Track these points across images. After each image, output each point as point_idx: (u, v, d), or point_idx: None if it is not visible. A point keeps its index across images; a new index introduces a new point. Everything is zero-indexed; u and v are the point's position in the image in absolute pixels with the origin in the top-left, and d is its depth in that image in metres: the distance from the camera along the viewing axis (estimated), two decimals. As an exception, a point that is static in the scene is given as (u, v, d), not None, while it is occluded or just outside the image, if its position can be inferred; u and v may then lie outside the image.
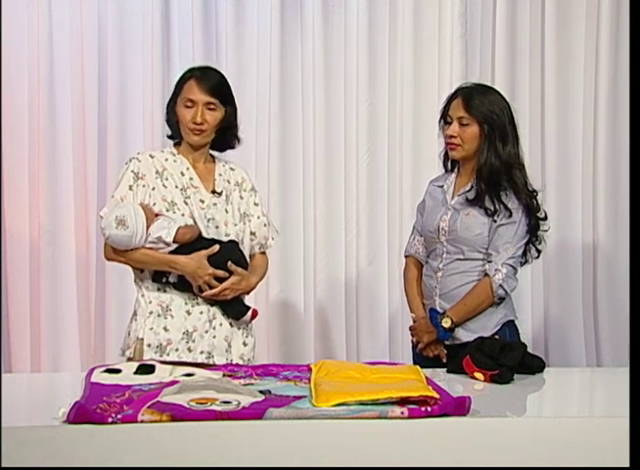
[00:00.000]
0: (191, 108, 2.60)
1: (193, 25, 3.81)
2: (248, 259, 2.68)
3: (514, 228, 2.72)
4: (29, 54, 3.76)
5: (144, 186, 2.60)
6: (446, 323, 2.71)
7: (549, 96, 3.88)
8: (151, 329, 2.55)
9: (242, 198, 2.73)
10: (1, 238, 3.74)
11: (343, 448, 1.71)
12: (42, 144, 3.77)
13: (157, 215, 2.56)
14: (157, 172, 2.62)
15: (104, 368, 2.13)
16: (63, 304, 3.80)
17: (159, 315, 2.56)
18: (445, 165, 2.93)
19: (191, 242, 2.54)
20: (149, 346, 2.53)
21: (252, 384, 2.00)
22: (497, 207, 2.71)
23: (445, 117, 2.80)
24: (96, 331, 3.82)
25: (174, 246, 2.53)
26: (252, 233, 2.72)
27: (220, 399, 1.78)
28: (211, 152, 2.75)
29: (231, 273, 2.57)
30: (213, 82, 2.61)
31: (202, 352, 2.56)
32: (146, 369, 2.12)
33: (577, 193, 3.91)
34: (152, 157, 2.66)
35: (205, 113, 2.59)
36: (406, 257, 3.00)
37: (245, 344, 2.65)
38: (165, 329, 2.55)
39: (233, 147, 2.75)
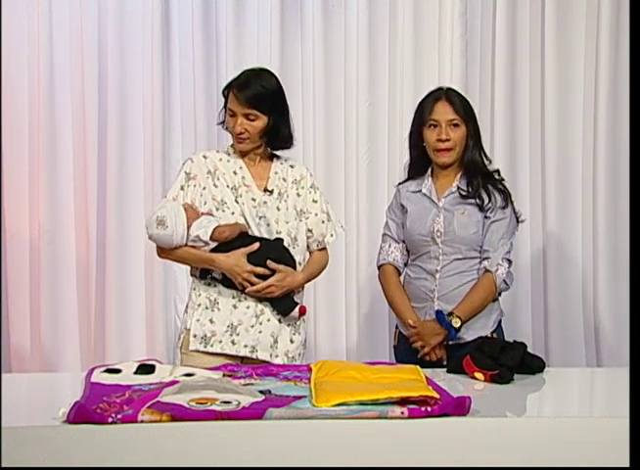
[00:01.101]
0: (233, 117, 2.64)
1: (193, 25, 3.81)
2: (296, 257, 2.67)
3: (506, 223, 2.78)
4: (29, 54, 3.76)
5: (195, 186, 2.67)
6: (456, 323, 2.70)
7: (549, 96, 3.87)
8: (197, 320, 2.63)
9: (299, 195, 2.74)
10: (1, 238, 3.73)
11: (343, 448, 1.71)
12: (42, 144, 3.77)
13: (203, 215, 2.62)
14: (208, 172, 2.68)
15: (104, 368, 2.13)
16: (63, 304, 3.80)
17: (206, 308, 2.64)
18: (411, 172, 2.91)
19: (232, 240, 2.58)
20: (194, 336, 2.62)
21: (252, 384, 2.00)
22: (492, 199, 2.76)
23: (426, 122, 2.79)
24: (96, 331, 3.82)
25: (213, 244, 2.59)
26: (310, 230, 2.74)
27: (220, 399, 1.78)
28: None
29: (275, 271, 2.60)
30: (250, 94, 2.60)
31: (245, 346, 2.61)
32: (146, 369, 2.12)
33: (577, 193, 3.91)
34: (205, 157, 2.72)
35: (245, 123, 2.62)
36: (381, 266, 2.92)
37: (292, 340, 2.68)
38: (211, 321, 2.62)
39: (287, 147, 2.75)
